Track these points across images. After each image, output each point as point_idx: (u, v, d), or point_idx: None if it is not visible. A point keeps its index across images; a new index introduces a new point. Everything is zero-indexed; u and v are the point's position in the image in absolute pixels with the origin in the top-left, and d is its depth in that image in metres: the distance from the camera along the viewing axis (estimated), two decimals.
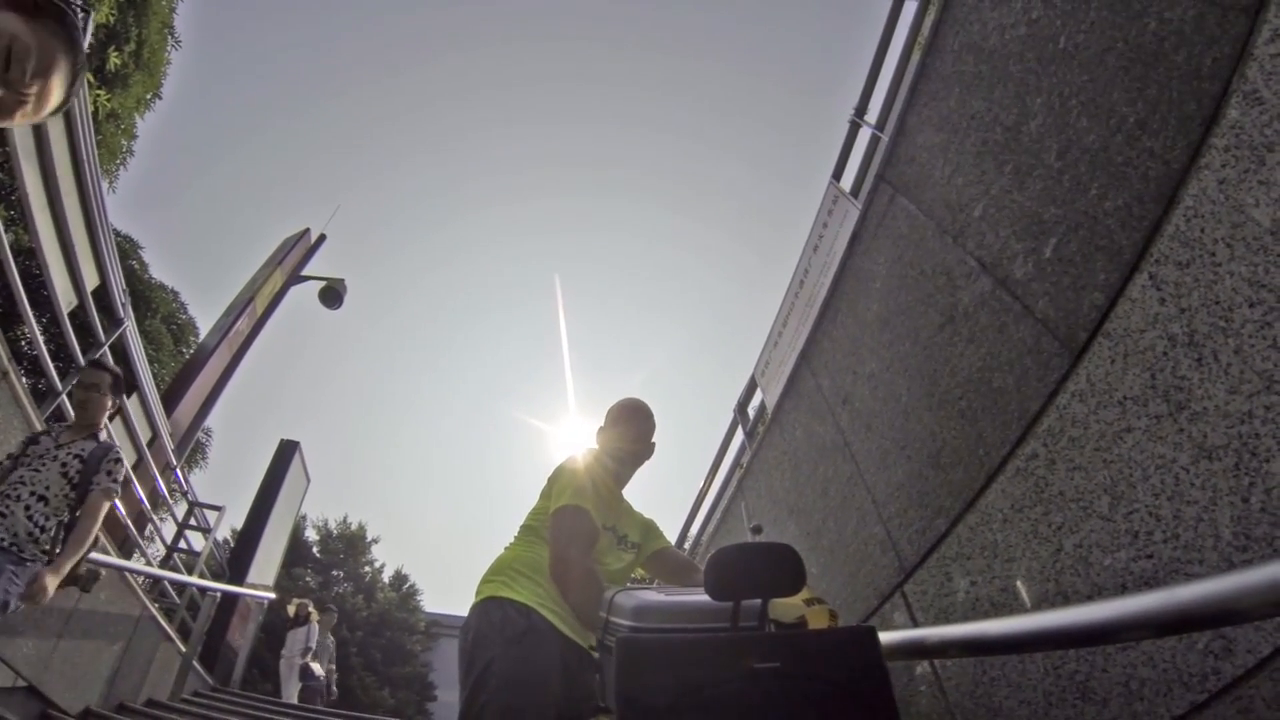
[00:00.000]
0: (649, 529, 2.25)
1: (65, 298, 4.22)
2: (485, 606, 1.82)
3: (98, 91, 4.81)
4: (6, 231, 3.48)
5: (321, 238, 8.12)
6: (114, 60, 4.87)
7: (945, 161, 2.32)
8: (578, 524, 1.86)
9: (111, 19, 4.63)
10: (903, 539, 2.46)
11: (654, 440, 2.26)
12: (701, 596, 1.45)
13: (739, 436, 5.08)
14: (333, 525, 18.40)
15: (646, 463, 2.25)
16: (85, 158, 4.10)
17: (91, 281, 4.54)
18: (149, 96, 5.97)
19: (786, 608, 1.47)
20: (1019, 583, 1.85)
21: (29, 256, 4.37)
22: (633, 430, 2.19)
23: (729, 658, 1.31)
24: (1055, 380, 1.74)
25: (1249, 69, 1.39)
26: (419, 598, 18.72)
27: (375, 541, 18.68)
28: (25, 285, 3.63)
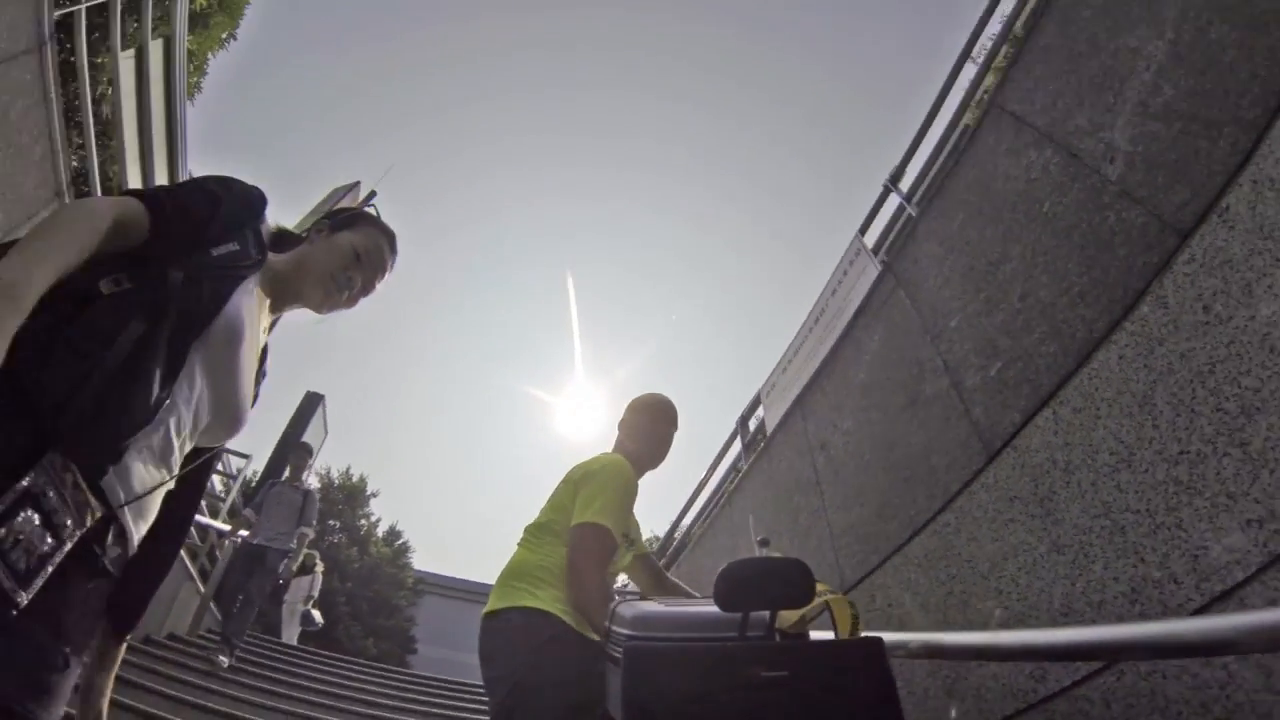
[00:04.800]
0: (637, 527, 2.22)
1: None
2: (508, 615, 1.82)
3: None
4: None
5: (372, 193, 8.43)
6: (200, 1, 4.98)
7: (938, 273, 2.86)
8: (601, 544, 1.85)
9: None
10: (846, 566, 3.03)
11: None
12: (708, 607, 1.47)
13: (736, 446, 5.57)
14: (335, 475, 18.79)
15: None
16: (178, 94, 4.38)
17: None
18: (224, 36, 5.95)
19: (795, 616, 1.50)
20: (919, 611, 2.43)
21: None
22: (668, 435, 2.21)
23: (737, 667, 1.32)
24: (973, 471, 2.30)
25: (1167, 278, 1.92)
26: (410, 555, 19.38)
27: (374, 495, 19.21)
28: None
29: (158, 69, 4.07)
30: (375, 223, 1.44)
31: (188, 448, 1.06)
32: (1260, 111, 1.82)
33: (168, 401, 0.95)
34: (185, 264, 1.01)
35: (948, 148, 3.18)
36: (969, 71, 3.80)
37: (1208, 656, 1.44)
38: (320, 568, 9.00)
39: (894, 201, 4.26)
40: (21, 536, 0.76)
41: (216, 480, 7.74)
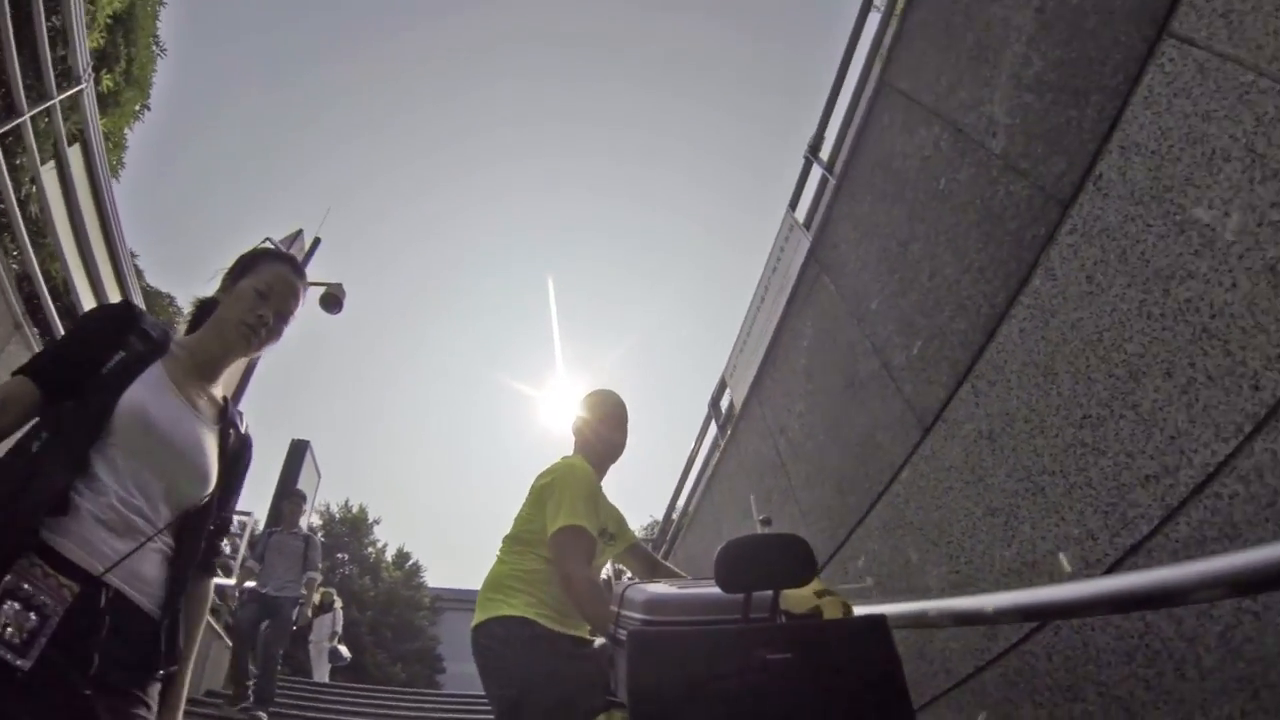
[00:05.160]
0: (621, 520, 2.34)
1: None
2: (489, 627, 1.98)
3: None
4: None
5: (317, 241, 8.19)
6: (106, 83, 4.90)
7: (856, 257, 2.97)
8: (580, 544, 1.94)
9: (102, 42, 4.67)
10: (817, 542, 3.16)
11: (627, 423, 2.36)
12: (712, 589, 1.47)
13: (712, 429, 5.70)
14: (335, 510, 18.94)
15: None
16: (103, 185, 4.41)
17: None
18: (137, 108, 5.90)
19: (799, 598, 1.52)
20: (877, 579, 2.59)
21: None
22: (618, 425, 2.31)
23: (741, 649, 1.33)
24: (912, 445, 2.43)
25: (1053, 250, 2.04)
26: (422, 575, 19.63)
27: (377, 522, 19.48)
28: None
29: (79, 170, 4.08)
30: (270, 257, 1.58)
31: (163, 512, 1.25)
32: (1122, 79, 1.93)
33: (82, 489, 1.15)
34: (79, 391, 1.23)
35: (852, 129, 3.25)
36: (866, 41, 3.87)
37: (1123, 612, 1.58)
38: (339, 604, 9.15)
39: (818, 173, 4.37)
40: (8, 622, 0.99)
41: (226, 544, 7.89)
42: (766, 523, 1.85)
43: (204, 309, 1.53)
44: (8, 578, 1.02)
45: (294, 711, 5.45)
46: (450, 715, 6.06)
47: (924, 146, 2.62)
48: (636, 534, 2.44)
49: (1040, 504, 1.91)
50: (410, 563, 19.67)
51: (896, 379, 2.55)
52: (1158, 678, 1.55)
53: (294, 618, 5.79)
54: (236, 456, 1.49)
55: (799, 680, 1.31)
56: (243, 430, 1.53)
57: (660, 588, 1.65)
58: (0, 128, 3.34)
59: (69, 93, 3.88)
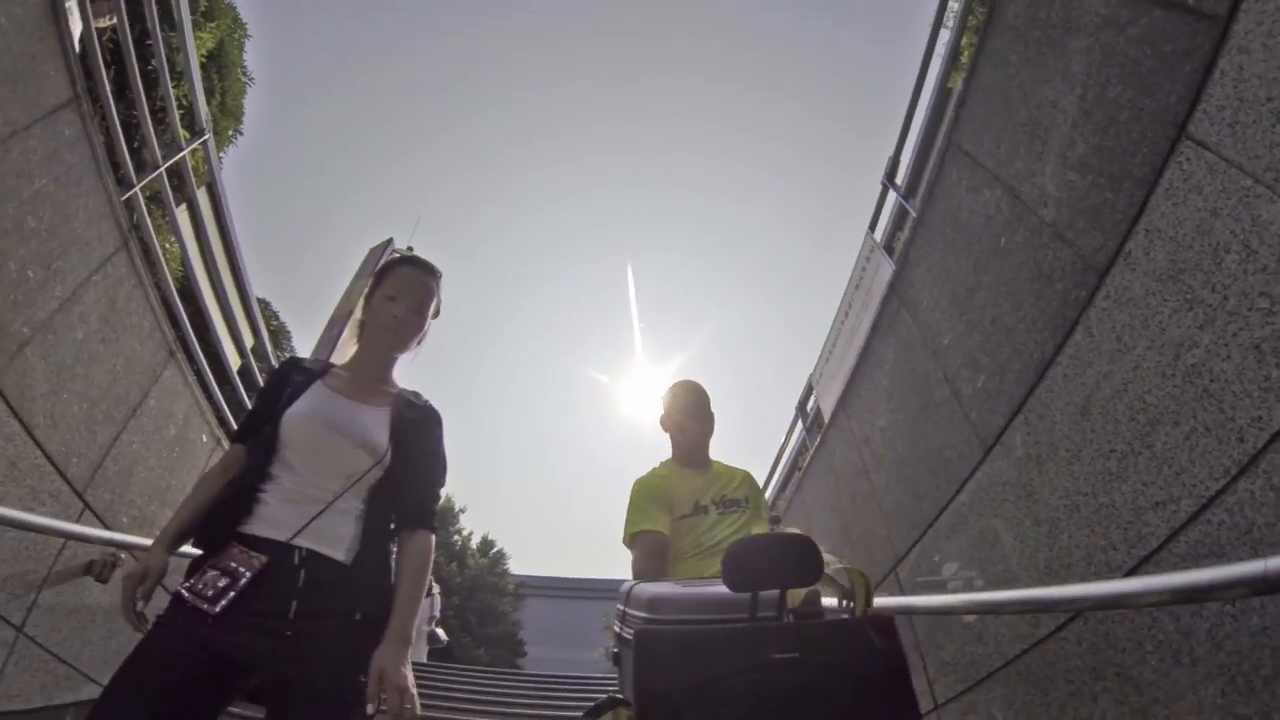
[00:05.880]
0: (748, 481, 2.49)
1: (234, 361, 5.15)
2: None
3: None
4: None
5: (409, 250, 8.63)
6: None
7: (930, 296, 3.42)
8: (642, 547, 2.18)
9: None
10: (896, 539, 3.69)
11: (709, 408, 2.51)
12: (718, 587, 1.48)
13: (799, 430, 6.20)
14: None
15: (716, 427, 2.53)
16: (231, 231, 4.99)
17: (250, 342, 5.48)
18: (230, 134, 6.28)
19: (800, 592, 1.56)
20: (950, 570, 3.09)
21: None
22: (697, 414, 2.46)
23: (748, 649, 1.34)
24: (975, 463, 2.92)
25: (1091, 311, 2.47)
26: (506, 562, 20.60)
27: (463, 511, 20.36)
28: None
29: (207, 210, 4.73)
30: (394, 264, 1.86)
31: (338, 482, 1.55)
32: (1148, 170, 2.34)
33: (266, 488, 1.51)
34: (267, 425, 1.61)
35: (923, 182, 3.66)
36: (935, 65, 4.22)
37: (1136, 608, 2.06)
38: (437, 590, 10.23)
39: (893, 197, 4.77)
40: (207, 585, 1.37)
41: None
42: (776, 520, 1.77)
43: (363, 328, 1.82)
44: (217, 557, 1.42)
45: None
46: (532, 693, 6.88)
47: (987, 206, 3.05)
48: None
49: (1076, 519, 2.39)
50: (495, 550, 20.51)
51: (964, 406, 3.03)
52: (1160, 663, 2.03)
53: None
54: (416, 424, 1.71)
55: (806, 679, 1.32)
56: (420, 404, 1.77)
57: (666, 586, 1.67)
58: (141, 180, 3.87)
59: (194, 144, 4.48)
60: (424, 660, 9.22)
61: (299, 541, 1.45)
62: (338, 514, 1.52)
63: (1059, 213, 2.66)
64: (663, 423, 2.53)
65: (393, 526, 1.65)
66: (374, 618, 1.48)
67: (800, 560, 1.47)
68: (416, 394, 1.81)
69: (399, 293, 1.76)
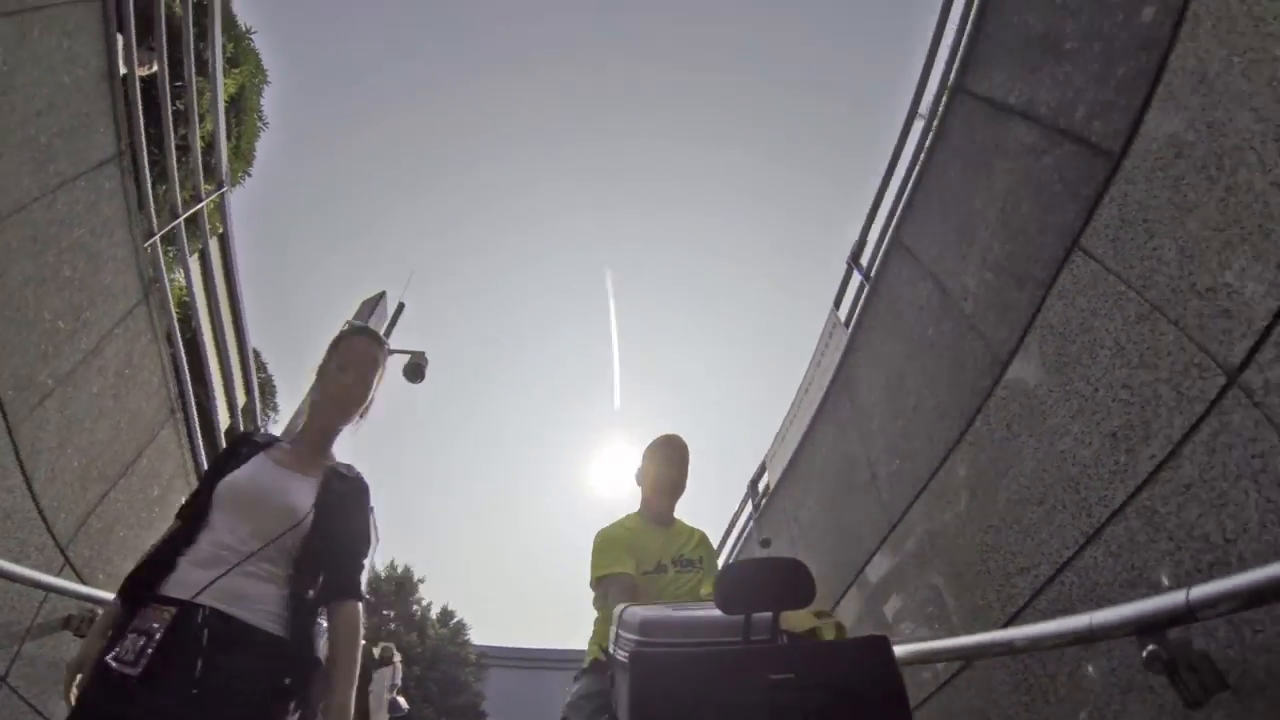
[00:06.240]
0: (704, 542, 2.54)
1: (224, 419, 4.99)
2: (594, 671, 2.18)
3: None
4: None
5: (401, 306, 8.30)
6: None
7: (867, 381, 3.61)
8: (616, 587, 2.20)
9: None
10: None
11: (686, 468, 2.50)
12: (710, 611, 1.49)
13: (748, 508, 6.26)
14: (380, 569, 19.33)
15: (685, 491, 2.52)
16: (238, 285, 4.93)
17: (242, 400, 5.31)
18: (240, 176, 6.18)
19: (798, 619, 1.55)
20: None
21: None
22: (670, 461, 2.48)
23: (744, 670, 1.33)
24: (882, 537, 3.03)
25: (991, 401, 2.63)
26: (468, 632, 20.00)
27: (422, 581, 19.90)
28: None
29: (217, 261, 4.75)
30: (347, 335, 1.87)
31: (253, 545, 1.51)
32: (1047, 275, 2.55)
33: (186, 551, 1.50)
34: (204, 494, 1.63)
35: (874, 269, 3.89)
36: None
37: (1011, 655, 2.15)
38: (398, 658, 10.03)
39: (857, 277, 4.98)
40: (129, 648, 1.35)
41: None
42: (766, 544, 1.82)
43: (314, 400, 1.83)
44: (135, 620, 1.39)
45: None
46: None
47: (920, 297, 3.28)
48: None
49: (959, 584, 2.49)
50: (455, 620, 20.00)
51: (879, 488, 3.16)
52: (1032, 702, 2.17)
53: None
54: (344, 495, 1.69)
55: (802, 701, 1.31)
56: (351, 475, 1.76)
57: (659, 609, 1.67)
58: (163, 229, 3.88)
59: (214, 194, 4.52)
60: None
61: (202, 599, 1.42)
62: (246, 575, 1.48)
63: (976, 307, 2.87)
64: (639, 474, 2.55)
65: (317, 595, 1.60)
66: (298, 688, 1.46)
67: (792, 583, 1.48)
68: (349, 466, 1.80)
69: (349, 364, 1.77)
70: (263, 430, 2.21)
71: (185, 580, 1.45)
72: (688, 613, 1.60)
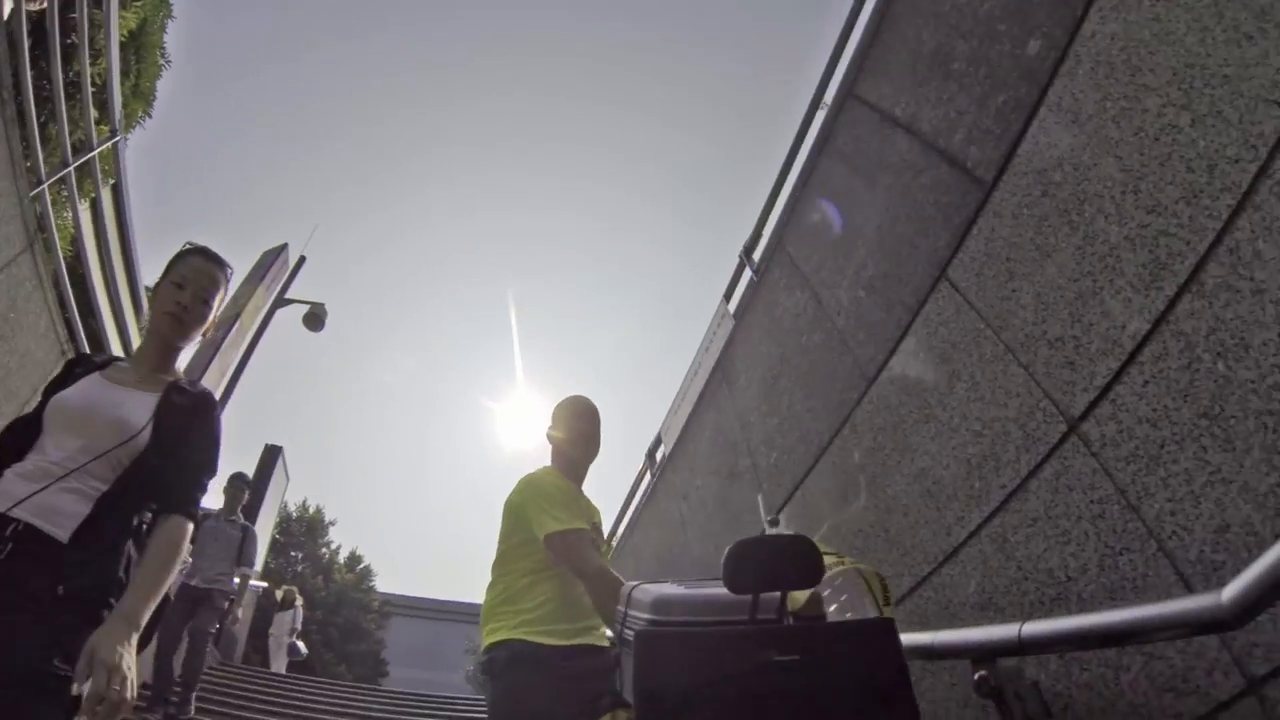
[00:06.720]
0: (599, 520, 2.40)
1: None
2: (491, 654, 1.97)
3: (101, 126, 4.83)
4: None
5: (302, 259, 8.50)
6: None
7: (747, 378, 3.85)
8: (580, 541, 2.01)
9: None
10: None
11: (600, 429, 2.42)
12: (718, 589, 1.47)
13: (647, 478, 6.37)
14: (293, 509, 18.96)
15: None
16: (131, 234, 4.90)
17: (137, 343, 5.07)
18: (139, 116, 5.94)
19: (801, 595, 1.54)
20: None
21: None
22: (587, 429, 2.37)
23: (748, 651, 1.34)
24: (761, 529, 3.28)
25: (858, 412, 2.90)
26: (373, 579, 19.91)
27: (333, 523, 19.74)
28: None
29: (109, 208, 4.61)
30: (185, 254, 1.83)
31: (81, 460, 1.49)
32: (915, 301, 2.79)
33: (14, 465, 1.48)
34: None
35: (757, 273, 4.08)
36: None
37: None
38: (300, 602, 9.74)
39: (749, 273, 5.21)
40: None
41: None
42: (774, 523, 1.77)
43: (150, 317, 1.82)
44: None
45: (255, 700, 5.99)
46: (396, 711, 6.73)
47: (797, 306, 3.49)
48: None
49: None
50: (361, 565, 19.93)
51: (760, 477, 3.41)
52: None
53: (224, 609, 5.47)
54: (185, 410, 1.66)
55: (806, 682, 1.32)
56: (194, 391, 1.73)
57: (668, 588, 1.65)
58: (50, 178, 3.84)
59: (105, 143, 4.39)
60: (283, 672, 8.68)
61: (16, 513, 1.40)
62: (67, 491, 1.46)
63: (847, 322, 3.11)
64: (551, 433, 2.41)
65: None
66: (86, 599, 1.41)
67: (800, 562, 1.47)
68: (193, 382, 1.79)
69: (185, 281, 1.74)
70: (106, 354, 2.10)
71: (7, 492, 1.43)
72: (697, 590, 1.60)
